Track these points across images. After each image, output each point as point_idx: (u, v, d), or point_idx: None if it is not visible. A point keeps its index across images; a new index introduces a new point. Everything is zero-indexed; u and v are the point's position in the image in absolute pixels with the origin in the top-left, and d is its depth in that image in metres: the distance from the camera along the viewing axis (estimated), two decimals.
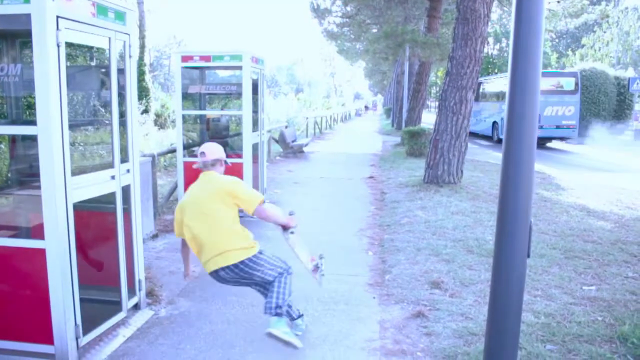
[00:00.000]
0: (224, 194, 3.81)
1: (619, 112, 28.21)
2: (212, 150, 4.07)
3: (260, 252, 3.88)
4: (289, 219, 4.15)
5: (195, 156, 8.62)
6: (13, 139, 4.43)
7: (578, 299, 4.75)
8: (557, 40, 54.02)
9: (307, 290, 5.09)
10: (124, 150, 4.18)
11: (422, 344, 4.00)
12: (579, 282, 5.19)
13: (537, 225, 7.23)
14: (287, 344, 3.67)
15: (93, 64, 4.61)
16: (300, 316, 4.19)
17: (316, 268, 4.37)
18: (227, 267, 3.72)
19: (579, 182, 11.63)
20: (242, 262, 3.72)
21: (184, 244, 4.04)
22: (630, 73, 32.36)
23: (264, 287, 3.96)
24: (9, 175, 4.56)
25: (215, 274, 3.82)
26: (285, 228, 4.19)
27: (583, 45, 41.14)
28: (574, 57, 42.42)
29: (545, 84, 19.25)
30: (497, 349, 2.84)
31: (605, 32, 38.42)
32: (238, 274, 3.78)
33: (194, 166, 4.17)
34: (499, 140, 21.75)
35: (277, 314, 3.74)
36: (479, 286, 5.03)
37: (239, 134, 8.41)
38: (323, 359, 3.79)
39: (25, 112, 4.43)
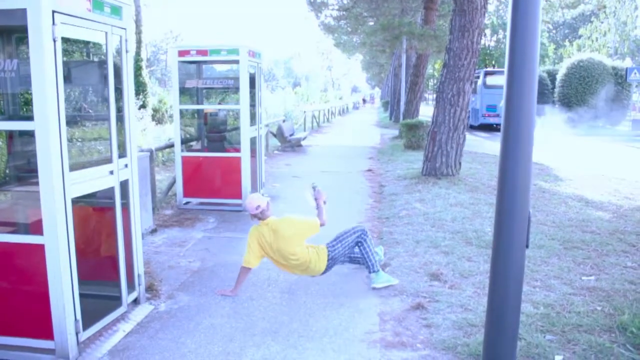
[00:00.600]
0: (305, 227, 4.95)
1: (617, 102, 28.18)
2: (264, 204, 4.84)
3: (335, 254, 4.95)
4: (320, 199, 5.30)
5: (193, 151, 8.65)
6: (10, 135, 4.41)
7: (577, 289, 4.76)
8: (554, 31, 53.97)
9: (307, 284, 5.11)
10: (121, 146, 4.17)
11: (422, 336, 4.01)
12: (578, 272, 5.20)
13: (535, 216, 7.24)
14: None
15: (90, 59, 4.59)
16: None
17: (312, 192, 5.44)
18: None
19: (577, 172, 11.64)
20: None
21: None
22: (627, 63, 32.38)
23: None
24: (7, 171, 4.55)
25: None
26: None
27: (580, 36, 41.10)
28: (572, 48, 42.40)
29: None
30: (497, 340, 2.86)
31: (602, 22, 38.36)
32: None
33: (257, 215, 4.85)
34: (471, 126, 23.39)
35: (373, 272, 4.97)
36: (478, 277, 5.04)
37: (237, 128, 8.40)
38: (323, 351, 3.80)
39: (23, 108, 4.42)
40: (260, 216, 4.79)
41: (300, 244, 4.71)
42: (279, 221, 4.79)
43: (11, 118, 4.26)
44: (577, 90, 27.83)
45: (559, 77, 29.87)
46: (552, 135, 20.61)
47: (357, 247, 5.01)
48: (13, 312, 3.59)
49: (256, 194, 4.94)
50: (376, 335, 4.03)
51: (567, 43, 47.54)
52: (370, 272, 4.97)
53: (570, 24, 49.72)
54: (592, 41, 38.95)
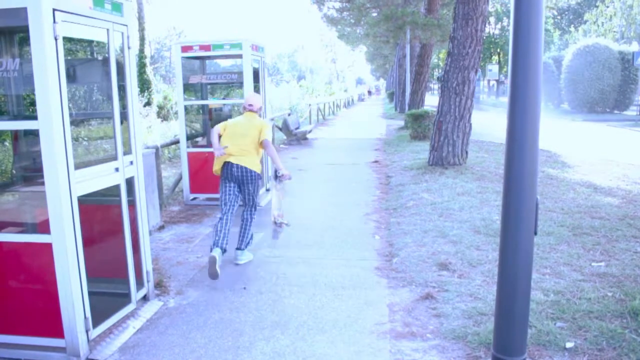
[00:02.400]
0: (260, 127, 5.51)
1: (624, 87, 27.95)
2: (258, 102, 5.76)
3: (260, 178, 5.59)
4: (282, 167, 5.40)
5: (199, 147, 8.65)
6: (16, 136, 4.42)
7: (587, 275, 4.73)
8: (559, 17, 53.53)
9: (315, 276, 5.11)
10: (126, 143, 4.17)
11: (432, 326, 4.00)
12: (588, 258, 5.17)
13: (543, 203, 7.21)
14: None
15: (92, 56, 4.59)
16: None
17: (275, 223, 5.61)
18: (241, 166, 5.37)
19: (584, 158, 11.57)
20: (251, 171, 5.40)
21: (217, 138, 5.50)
22: (634, 47, 32.07)
23: (245, 204, 5.70)
24: (14, 171, 4.56)
25: (229, 166, 5.39)
26: (276, 176, 5.50)
27: (586, 21, 40.75)
28: (577, 34, 42.05)
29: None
30: (507, 328, 2.84)
31: (608, 6, 37.99)
32: (242, 177, 5.41)
33: (246, 108, 5.70)
34: None
35: (241, 246, 5.64)
36: (487, 266, 5.02)
37: None
38: (333, 343, 3.80)
39: (29, 108, 4.42)
40: (248, 109, 5.65)
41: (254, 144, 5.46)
42: (258, 119, 5.67)
43: (16, 118, 4.27)
44: (583, 76, 27.59)
45: (564, 63, 29.65)
46: (558, 122, 20.48)
47: (250, 218, 5.77)
48: (23, 311, 3.61)
49: (259, 97, 5.94)
50: (386, 326, 4.03)
51: (572, 29, 47.15)
52: (243, 247, 5.67)
53: (575, 9, 49.30)
54: (598, 26, 38.60)
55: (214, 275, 4.93)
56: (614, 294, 4.29)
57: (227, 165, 5.40)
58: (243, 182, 5.44)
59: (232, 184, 5.46)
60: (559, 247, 5.51)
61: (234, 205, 5.50)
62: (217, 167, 5.50)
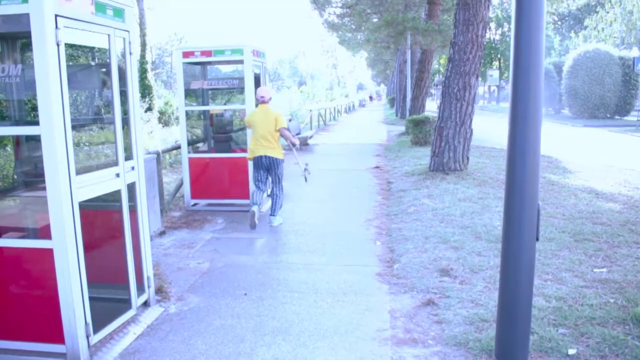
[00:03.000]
0: (275, 118, 7.12)
1: (624, 92, 27.96)
2: (268, 93, 7.25)
3: (283, 162, 7.28)
4: (296, 141, 7.60)
5: (200, 152, 8.65)
6: (17, 141, 4.42)
7: (589, 281, 4.72)
8: (559, 23, 53.65)
9: (316, 282, 5.10)
10: (128, 148, 4.17)
11: (433, 332, 3.98)
12: (590, 264, 5.16)
13: (545, 209, 7.20)
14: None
15: (94, 62, 4.60)
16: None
17: (306, 169, 8.18)
18: (268, 156, 7.08)
19: (586, 164, 11.56)
20: (276, 159, 7.12)
21: None
22: (635, 53, 32.09)
23: (273, 182, 7.31)
24: (15, 177, 4.56)
25: (259, 157, 7.11)
26: (293, 145, 7.54)
27: (586, 27, 40.78)
28: (577, 39, 42.09)
29: None
30: (509, 334, 2.83)
31: (608, 12, 38.02)
32: (270, 164, 7.12)
33: (259, 101, 7.24)
34: None
35: (273, 213, 7.35)
36: (488, 272, 5.01)
37: (243, 129, 8.39)
38: (334, 349, 3.79)
39: (30, 114, 4.42)
40: (260, 101, 7.16)
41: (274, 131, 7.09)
42: (272, 111, 7.19)
43: (17, 123, 4.27)
44: (584, 82, 27.61)
45: (565, 69, 29.66)
46: (559, 128, 20.48)
47: (278, 191, 7.38)
48: (24, 316, 3.60)
49: (270, 89, 7.46)
50: (387, 333, 4.01)
51: (572, 34, 47.19)
52: (275, 214, 7.38)
53: (576, 15, 49.35)
54: (598, 32, 38.62)
55: (253, 226, 7.06)
56: (616, 300, 4.28)
57: (258, 157, 7.10)
58: (270, 167, 7.16)
59: (262, 170, 7.21)
60: (560, 253, 5.49)
61: (264, 182, 7.28)
62: (250, 156, 7.23)
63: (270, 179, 7.33)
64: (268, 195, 8.92)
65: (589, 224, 6.50)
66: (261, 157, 7.09)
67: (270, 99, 7.14)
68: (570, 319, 3.96)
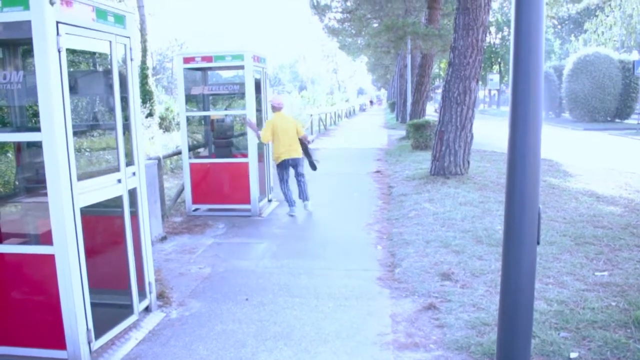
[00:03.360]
0: (295, 124, 8.25)
1: (625, 96, 27.97)
2: (283, 101, 8.37)
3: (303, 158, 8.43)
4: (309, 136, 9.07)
5: (201, 158, 8.67)
6: (19, 147, 4.44)
7: (590, 285, 4.72)
8: (559, 27, 53.69)
9: (317, 287, 5.10)
10: (129, 154, 4.19)
11: (435, 336, 3.98)
12: (591, 268, 5.15)
13: (546, 212, 7.20)
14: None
15: (95, 68, 4.61)
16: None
17: (315, 159, 9.29)
18: (293, 158, 8.13)
19: (586, 167, 11.56)
20: (298, 158, 8.21)
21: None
22: (635, 56, 32.12)
23: (297, 174, 8.41)
24: (17, 183, 4.58)
25: (286, 160, 8.10)
26: (308, 142, 8.65)
27: (586, 31, 40.81)
28: (577, 43, 42.14)
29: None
30: (510, 338, 2.83)
31: (608, 16, 38.04)
32: (295, 163, 8.22)
33: (276, 108, 8.19)
34: None
35: (307, 199, 8.46)
36: (489, 276, 5.01)
37: (244, 134, 8.41)
38: (335, 354, 3.78)
39: (31, 120, 4.44)
40: (278, 108, 8.11)
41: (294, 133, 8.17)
42: (289, 117, 8.37)
43: (19, 130, 4.28)
44: (584, 85, 27.62)
45: (565, 72, 29.68)
46: (560, 131, 20.49)
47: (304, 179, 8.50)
48: (26, 322, 3.60)
49: (283, 97, 9.24)
50: (388, 337, 4.01)
51: (572, 38, 47.22)
52: (307, 198, 8.52)
53: (575, 18, 49.38)
54: (598, 35, 38.64)
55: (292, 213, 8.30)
56: (618, 303, 4.27)
57: (286, 160, 8.07)
58: (296, 165, 8.28)
59: (288, 168, 8.25)
60: (561, 256, 5.49)
61: (289, 178, 8.33)
62: (279, 160, 8.10)
63: (293, 172, 8.39)
64: (269, 200, 8.97)
65: (590, 228, 6.50)
66: (289, 159, 8.08)
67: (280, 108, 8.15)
68: (572, 322, 3.95)
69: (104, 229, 4.38)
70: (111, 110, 4.08)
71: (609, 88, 27.28)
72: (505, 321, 2.83)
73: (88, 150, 4.72)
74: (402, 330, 4.13)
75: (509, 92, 2.79)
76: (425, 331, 4.08)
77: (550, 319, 4.02)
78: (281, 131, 7.93)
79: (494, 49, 51.51)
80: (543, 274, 4.96)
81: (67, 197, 3.32)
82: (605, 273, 5.00)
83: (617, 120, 28.67)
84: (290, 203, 8.29)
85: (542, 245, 5.67)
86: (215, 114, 9.16)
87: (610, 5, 35.06)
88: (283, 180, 8.29)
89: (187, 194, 8.26)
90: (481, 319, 4.11)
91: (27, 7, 3.10)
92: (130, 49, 4.10)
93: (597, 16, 38.59)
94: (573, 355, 3.52)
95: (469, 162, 10.04)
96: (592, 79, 27.43)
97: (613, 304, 4.27)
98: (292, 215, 8.20)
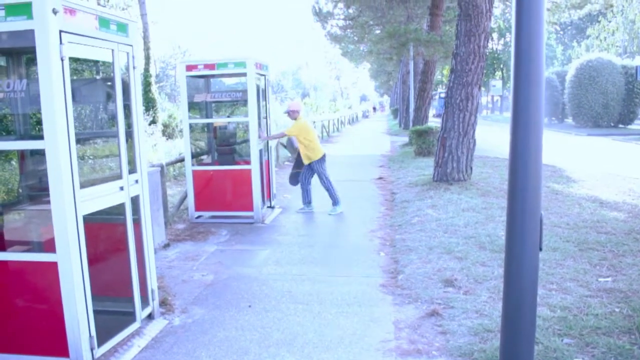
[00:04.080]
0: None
1: (628, 101, 27.95)
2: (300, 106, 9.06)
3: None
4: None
5: (204, 165, 8.69)
6: (22, 155, 4.46)
7: (594, 291, 4.70)
8: (561, 33, 53.76)
9: (320, 293, 5.09)
10: (131, 161, 4.20)
11: (438, 343, 3.97)
12: (594, 274, 5.14)
13: (549, 218, 7.18)
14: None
15: (98, 76, 4.64)
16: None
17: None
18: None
19: (589, 173, 11.54)
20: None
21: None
22: (637, 61, 32.08)
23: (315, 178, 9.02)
24: (20, 190, 4.59)
25: (323, 157, 8.79)
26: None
27: (588, 36, 40.88)
28: (580, 49, 42.16)
29: None
30: (513, 345, 2.82)
31: (610, 21, 38.12)
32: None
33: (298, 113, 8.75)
34: None
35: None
36: (492, 282, 5.00)
37: (247, 141, 8.44)
38: None
39: (34, 128, 4.46)
40: (292, 116, 8.64)
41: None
42: (303, 125, 8.70)
43: (22, 138, 4.31)
44: (587, 91, 27.63)
45: (568, 78, 29.71)
46: (562, 137, 20.47)
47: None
48: (29, 329, 3.61)
49: (300, 103, 10.28)
50: (391, 344, 4.00)
51: (575, 44, 47.27)
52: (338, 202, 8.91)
53: (578, 24, 49.47)
54: (601, 41, 38.71)
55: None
56: (622, 309, 4.26)
57: (323, 157, 8.87)
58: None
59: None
60: (565, 262, 5.48)
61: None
62: (319, 155, 8.78)
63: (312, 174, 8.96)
64: (269, 207, 8.98)
65: (593, 233, 6.48)
66: (324, 155, 8.87)
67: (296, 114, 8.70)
68: (575, 328, 3.94)
69: (106, 236, 4.39)
70: (114, 117, 4.10)
71: (612, 94, 27.28)
72: (508, 327, 2.82)
73: (91, 157, 4.74)
74: (405, 336, 4.12)
75: (510, 98, 2.79)
76: (428, 338, 4.07)
77: (554, 325, 4.01)
78: (313, 130, 8.84)
79: (496, 55, 51.61)
80: (546, 280, 4.95)
81: (70, 205, 3.34)
82: (609, 279, 4.98)
83: (620, 125, 28.65)
84: (336, 199, 8.84)
85: (546, 251, 5.66)
86: (218, 121, 9.19)
87: (612, 10, 35.12)
88: (325, 177, 8.82)
89: (190, 201, 8.28)
90: (484, 326, 4.10)
91: (30, 16, 3.12)
92: (133, 57, 4.12)
93: (599, 22, 38.66)
94: None
95: (471, 168, 10.04)
96: (595, 85, 27.43)
97: (617, 310, 4.25)
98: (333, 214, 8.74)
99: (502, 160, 13.71)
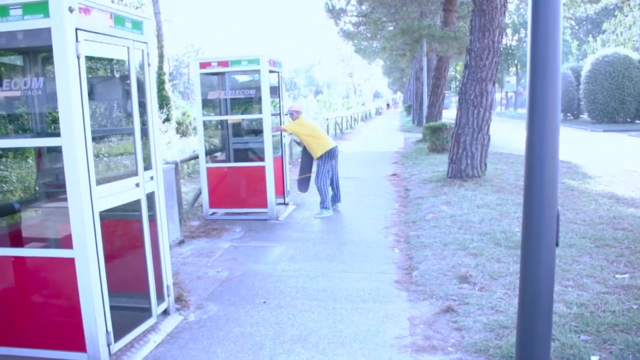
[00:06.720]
0: None
1: None
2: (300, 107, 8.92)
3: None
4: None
5: (218, 162, 8.72)
6: (39, 153, 4.51)
7: (611, 287, 4.66)
8: (577, 27, 53.19)
9: (335, 290, 5.10)
10: (147, 158, 4.22)
11: (453, 339, 3.96)
12: (611, 270, 5.09)
13: (565, 214, 7.12)
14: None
15: (113, 74, 4.67)
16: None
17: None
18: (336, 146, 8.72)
19: (606, 169, 11.42)
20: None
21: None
22: None
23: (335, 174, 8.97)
24: (37, 188, 4.65)
25: (334, 149, 8.60)
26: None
27: (604, 31, 40.38)
28: (595, 44, 41.68)
29: None
30: (529, 341, 2.80)
31: (626, 15, 37.59)
32: (337, 153, 8.79)
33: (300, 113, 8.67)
34: None
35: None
36: (508, 279, 4.97)
37: (261, 138, 8.44)
38: (353, 357, 3.78)
39: (51, 126, 4.51)
40: (293, 116, 8.48)
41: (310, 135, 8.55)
42: (303, 121, 8.58)
43: (39, 135, 4.35)
44: (602, 86, 27.30)
45: (583, 73, 29.37)
46: (578, 133, 20.26)
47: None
48: (46, 325, 3.65)
49: (301, 104, 9.76)
50: (406, 340, 4.00)
51: (590, 39, 46.75)
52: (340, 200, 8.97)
53: (594, 19, 48.89)
54: (617, 35, 38.18)
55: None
56: None
57: (333, 147, 8.64)
58: (336, 156, 8.88)
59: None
60: (581, 259, 5.43)
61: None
62: (324, 151, 8.51)
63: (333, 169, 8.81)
64: (283, 203, 8.98)
65: (610, 230, 6.42)
66: (334, 147, 8.63)
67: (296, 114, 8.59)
68: (592, 325, 3.90)
69: (122, 232, 4.43)
70: (129, 115, 4.12)
71: (628, 89, 26.91)
72: (524, 324, 2.80)
73: (107, 155, 4.78)
74: (420, 333, 4.11)
75: (526, 94, 2.77)
76: (443, 334, 4.06)
77: (570, 322, 3.98)
78: (318, 127, 8.86)
79: (510, 50, 51.19)
80: (562, 277, 4.91)
81: (87, 202, 3.37)
82: (626, 275, 4.93)
83: (637, 121, 28.29)
84: (324, 204, 8.59)
85: (562, 248, 5.61)
86: (231, 118, 9.21)
87: (629, 4, 34.60)
88: (324, 176, 8.55)
89: (204, 198, 8.31)
90: (500, 322, 4.08)
91: (47, 14, 3.15)
92: (148, 54, 4.14)
93: (615, 16, 38.14)
94: (594, 358, 3.47)
95: (486, 165, 9.98)
96: (611, 80, 27.08)
97: (634, 306, 4.21)
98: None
99: (517, 156, 13.62)
